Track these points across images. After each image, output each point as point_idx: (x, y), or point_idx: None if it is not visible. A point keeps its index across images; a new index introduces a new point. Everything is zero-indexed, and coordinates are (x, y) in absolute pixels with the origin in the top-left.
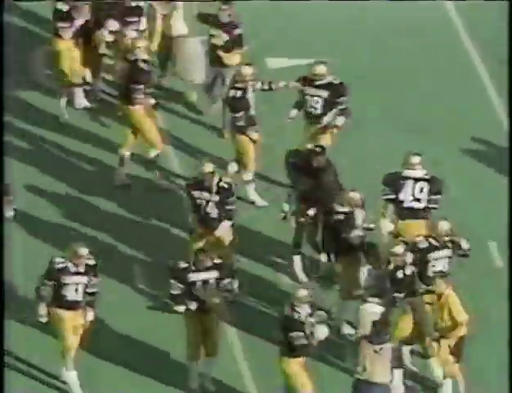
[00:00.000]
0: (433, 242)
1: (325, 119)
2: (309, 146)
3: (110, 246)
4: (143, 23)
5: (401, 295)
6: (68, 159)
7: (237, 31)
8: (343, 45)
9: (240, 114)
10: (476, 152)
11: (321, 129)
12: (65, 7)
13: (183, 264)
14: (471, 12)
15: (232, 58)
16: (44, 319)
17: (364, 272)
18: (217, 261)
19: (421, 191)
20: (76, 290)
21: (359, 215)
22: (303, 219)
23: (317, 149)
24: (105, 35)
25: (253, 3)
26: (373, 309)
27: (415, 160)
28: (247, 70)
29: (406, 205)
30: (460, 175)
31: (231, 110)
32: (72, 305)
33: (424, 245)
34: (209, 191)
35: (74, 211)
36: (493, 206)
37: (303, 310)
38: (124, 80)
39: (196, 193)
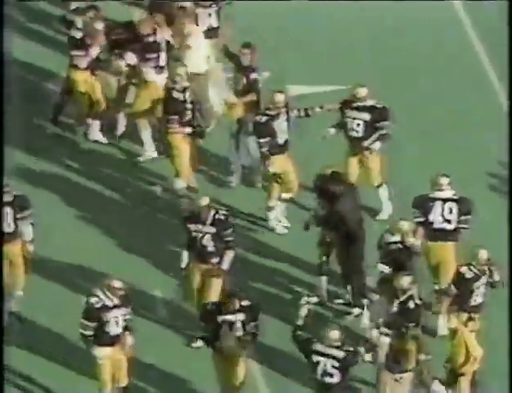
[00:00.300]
0: (476, 271)
1: (366, 143)
2: (329, 171)
3: (133, 280)
4: (163, 58)
5: (413, 324)
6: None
7: (253, 75)
8: (361, 64)
9: (265, 140)
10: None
11: (362, 152)
12: (78, 34)
13: (211, 305)
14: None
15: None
16: (105, 360)
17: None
18: (244, 304)
19: (450, 212)
20: (117, 323)
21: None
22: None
23: (336, 174)
24: (122, 66)
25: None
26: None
27: (444, 180)
28: (279, 97)
29: (436, 226)
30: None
31: (256, 135)
32: (115, 340)
33: (470, 275)
34: (205, 223)
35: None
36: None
37: (333, 351)
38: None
39: (192, 226)
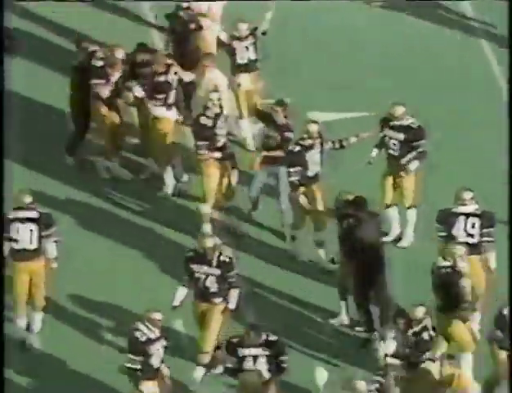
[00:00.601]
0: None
1: (402, 161)
2: (349, 196)
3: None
4: (171, 97)
5: (428, 354)
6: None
7: (289, 135)
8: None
9: (296, 169)
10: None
11: (398, 172)
12: (99, 63)
13: (236, 338)
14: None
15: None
16: None
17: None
18: (271, 338)
19: (473, 226)
20: (158, 355)
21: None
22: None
23: (358, 199)
24: (130, 98)
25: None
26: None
27: (467, 195)
28: (313, 128)
29: (459, 240)
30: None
31: (288, 164)
32: (156, 373)
33: None
34: (210, 264)
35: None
36: None
37: None
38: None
39: (195, 267)
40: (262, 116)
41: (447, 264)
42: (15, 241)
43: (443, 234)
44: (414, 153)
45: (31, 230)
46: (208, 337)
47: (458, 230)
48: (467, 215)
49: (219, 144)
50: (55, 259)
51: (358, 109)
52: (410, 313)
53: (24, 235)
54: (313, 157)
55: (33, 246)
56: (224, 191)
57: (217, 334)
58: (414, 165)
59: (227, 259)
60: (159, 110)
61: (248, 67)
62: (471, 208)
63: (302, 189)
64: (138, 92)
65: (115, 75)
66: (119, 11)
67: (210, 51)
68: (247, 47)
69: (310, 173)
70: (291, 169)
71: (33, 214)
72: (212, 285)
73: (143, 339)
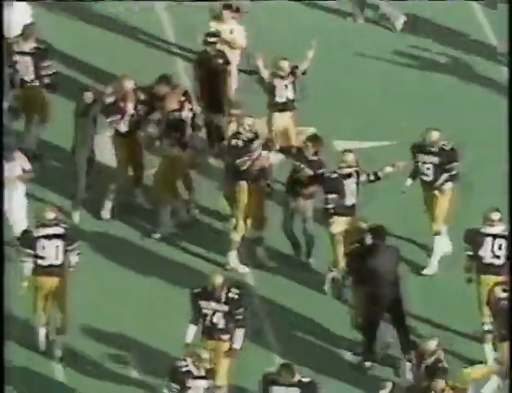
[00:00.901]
0: None
1: (437, 184)
2: (364, 225)
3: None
4: (187, 135)
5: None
6: None
7: (321, 171)
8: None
9: (333, 196)
10: None
11: (434, 195)
12: (110, 99)
13: (270, 375)
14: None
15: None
16: None
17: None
18: (304, 380)
19: (500, 248)
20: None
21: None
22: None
23: (377, 228)
24: (144, 137)
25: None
26: None
27: (495, 216)
28: (350, 157)
29: (485, 261)
30: None
31: (324, 190)
32: None
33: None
34: (218, 301)
35: None
36: None
37: None
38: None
39: (203, 303)
40: (294, 155)
41: (504, 295)
42: (42, 257)
43: (470, 254)
44: (447, 175)
45: (57, 246)
46: (218, 379)
47: (485, 251)
48: (494, 236)
49: (251, 169)
50: (75, 266)
51: (380, 137)
52: (422, 346)
53: (50, 251)
54: (350, 186)
55: (59, 261)
56: (254, 220)
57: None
58: (448, 186)
59: (236, 296)
60: (171, 149)
61: (286, 106)
62: (499, 229)
63: (335, 218)
64: (152, 128)
65: (129, 107)
66: (144, 40)
67: (235, 86)
68: (286, 86)
69: (347, 203)
70: (328, 196)
71: (59, 230)
72: (219, 321)
73: (183, 369)
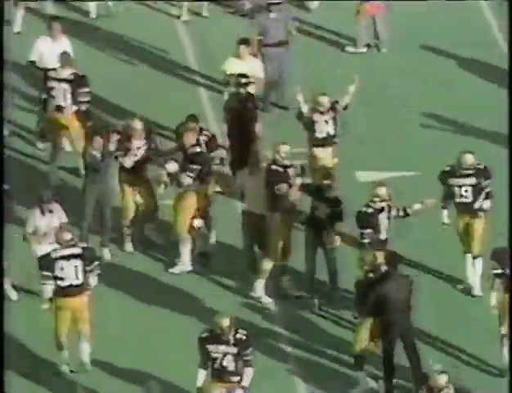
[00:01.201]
0: None
1: (476, 205)
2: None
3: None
4: (206, 169)
5: None
6: None
7: (340, 208)
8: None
9: (368, 231)
10: None
11: (474, 216)
12: (115, 138)
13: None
14: None
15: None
16: None
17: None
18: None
19: None
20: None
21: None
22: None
23: (388, 256)
24: (164, 176)
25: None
26: None
27: None
28: (382, 190)
29: None
30: None
31: (359, 225)
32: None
33: None
34: (227, 343)
35: None
36: None
37: None
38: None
39: (212, 347)
40: (311, 192)
41: None
42: (61, 278)
43: (498, 272)
44: (483, 194)
45: (76, 266)
46: None
47: None
48: None
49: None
50: (94, 287)
51: (403, 167)
52: (432, 381)
53: (69, 271)
54: (383, 221)
55: (79, 281)
56: (282, 250)
57: None
58: (487, 205)
59: (244, 337)
60: (191, 185)
61: (326, 141)
62: None
63: (371, 253)
64: (172, 167)
65: (134, 144)
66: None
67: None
68: (327, 121)
69: (382, 237)
70: (364, 231)
71: (77, 251)
72: (229, 364)
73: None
